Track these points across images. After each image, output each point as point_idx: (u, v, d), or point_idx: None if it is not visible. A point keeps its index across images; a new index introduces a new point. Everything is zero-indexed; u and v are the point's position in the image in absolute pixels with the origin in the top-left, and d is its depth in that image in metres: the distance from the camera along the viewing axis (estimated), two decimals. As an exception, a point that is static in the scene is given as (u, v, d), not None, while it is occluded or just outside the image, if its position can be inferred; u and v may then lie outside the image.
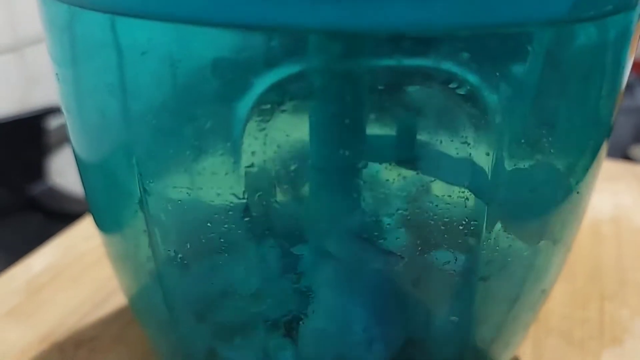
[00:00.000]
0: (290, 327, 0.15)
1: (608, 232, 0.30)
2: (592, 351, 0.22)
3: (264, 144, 0.12)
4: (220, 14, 0.11)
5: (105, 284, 0.25)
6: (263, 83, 0.12)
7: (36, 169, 0.43)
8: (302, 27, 0.11)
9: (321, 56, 0.11)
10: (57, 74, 0.15)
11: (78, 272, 0.26)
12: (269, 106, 0.12)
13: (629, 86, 0.63)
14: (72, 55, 0.14)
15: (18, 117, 0.41)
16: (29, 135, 0.43)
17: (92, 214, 0.18)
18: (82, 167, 0.16)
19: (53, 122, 0.45)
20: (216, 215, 0.14)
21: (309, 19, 0.11)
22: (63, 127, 0.47)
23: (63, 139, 0.46)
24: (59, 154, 0.45)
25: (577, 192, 0.15)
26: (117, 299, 0.24)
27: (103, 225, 0.17)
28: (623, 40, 0.14)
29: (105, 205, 0.16)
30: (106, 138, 0.15)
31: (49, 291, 0.25)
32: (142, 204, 0.14)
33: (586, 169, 0.15)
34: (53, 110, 0.44)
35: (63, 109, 0.16)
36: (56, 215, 0.41)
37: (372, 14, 0.10)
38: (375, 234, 0.14)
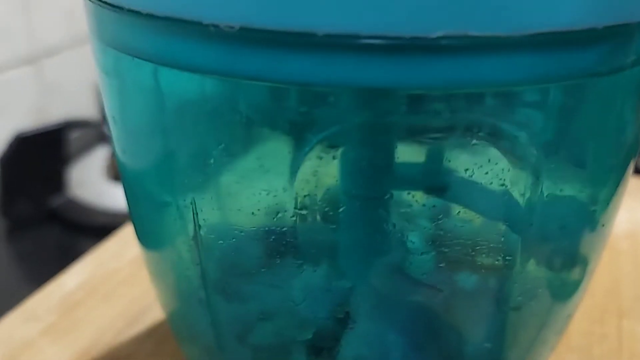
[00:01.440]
0: (329, 353, 0.16)
1: (624, 247, 0.31)
2: (612, 368, 0.23)
3: (315, 186, 0.13)
4: (273, 73, 0.12)
5: (138, 301, 0.26)
6: (313, 136, 0.13)
7: (56, 181, 0.44)
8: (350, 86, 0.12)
9: (371, 111, 0.12)
10: (110, 116, 0.16)
11: (111, 289, 0.27)
12: (319, 153, 0.13)
13: None
14: (120, 97, 0.15)
15: (38, 130, 0.42)
16: (48, 147, 0.44)
17: (140, 241, 0.18)
18: (132, 202, 0.17)
19: (73, 134, 0.46)
20: (265, 248, 0.15)
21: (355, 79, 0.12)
22: (82, 138, 0.48)
23: (82, 150, 0.47)
24: (78, 165, 0.46)
25: (602, 225, 0.16)
26: (150, 315, 0.25)
27: (152, 254, 0.18)
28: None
29: (158, 241, 0.17)
30: (157, 177, 0.16)
31: (83, 309, 0.26)
32: (196, 239, 0.15)
33: (611, 202, 0.16)
34: (73, 122, 0.45)
35: (117, 149, 0.17)
36: (76, 227, 0.42)
37: (415, 76, 0.11)
38: (412, 265, 0.15)
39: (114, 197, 0.42)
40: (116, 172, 0.44)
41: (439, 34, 0.11)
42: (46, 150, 0.43)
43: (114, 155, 0.44)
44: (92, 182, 0.44)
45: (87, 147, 0.48)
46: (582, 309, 0.26)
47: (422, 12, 0.11)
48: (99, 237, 0.38)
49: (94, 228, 0.40)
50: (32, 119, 0.50)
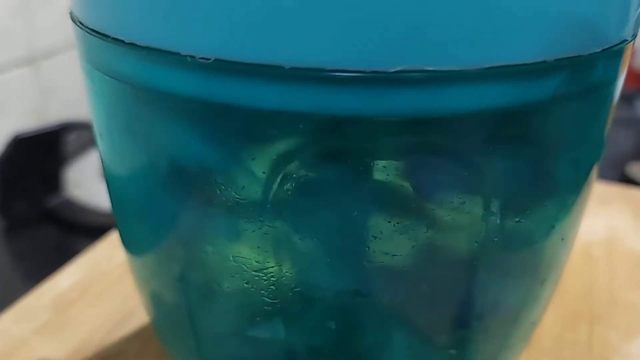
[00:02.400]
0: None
1: (600, 254, 0.32)
2: (581, 372, 0.24)
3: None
4: (245, 100, 0.13)
5: (128, 301, 0.27)
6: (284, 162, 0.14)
7: (53, 181, 0.45)
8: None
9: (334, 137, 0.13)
10: (97, 131, 0.17)
11: (102, 289, 0.28)
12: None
13: (629, 98, 0.65)
14: (105, 115, 0.16)
15: (36, 131, 0.43)
16: (46, 148, 0.45)
17: (123, 245, 0.19)
18: (117, 210, 0.18)
19: (70, 135, 0.47)
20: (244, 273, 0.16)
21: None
22: (80, 139, 0.49)
23: (80, 151, 0.48)
24: (76, 166, 0.47)
25: (562, 239, 0.17)
26: (139, 316, 0.26)
27: (135, 259, 0.19)
28: (606, 104, 0.16)
29: (140, 247, 0.18)
30: (138, 189, 0.17)
31: (76, 308, 0.27)
32: (177, 248, 0.16)
33: (569, 217, 0.17)
34: (70, 124, 0.46)
35: (103, 161, 0.18)
36: (73, 227, 0.43)
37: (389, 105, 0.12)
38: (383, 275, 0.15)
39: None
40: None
41: (398, 68, 0.12)
42: (44, 151, 0.44)
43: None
44: (88, 183, 0.45)
45: (84, 148, 0.49)
46: (555, 313, 0.27)
47: (382, 49, 0.12)
48: (95, 237, 0.39)
49: (90, 228, 0.41)
50: (30, 120, 0.51)
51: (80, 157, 0.48)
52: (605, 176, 0.42)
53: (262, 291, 0.16)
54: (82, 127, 0.48)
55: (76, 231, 0.42)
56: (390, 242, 0.15)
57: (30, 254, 0.41)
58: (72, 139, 0.47)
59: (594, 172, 0.17)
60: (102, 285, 0.28)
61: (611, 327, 0.27)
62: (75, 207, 0.43)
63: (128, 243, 0.19)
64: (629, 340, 0.26)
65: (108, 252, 0.31)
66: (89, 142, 0.49)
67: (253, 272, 0.16)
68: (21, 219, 0.43)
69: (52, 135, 0.44)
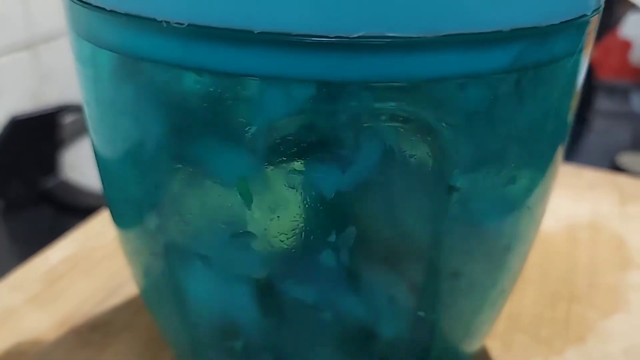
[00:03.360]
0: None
1: (584, 237, 0.32)
2: (557, 349, 0.25)
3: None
4: (217, 64, 0.14)
5: (117, 275, 0.28)
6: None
7: (50, 163, 0.45)
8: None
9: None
10: (84, 101, 0.18)
11: (92, 264, 0.29)
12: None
13: (624, 91, 0.65)
14: (93, 85, 0.17)
15: (33, 114, 0.44)
16: (43, 130, 0.45)
17: (114, 222, 0.20)
18: (106, 183, 0.19)
19: (67, 118, 0.48)
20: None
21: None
22: (77, 122, 0.50)
23: (76, 134, 0.49)
24: (72, 148, 0.47)
25: (528, 208, 0.18)
26: (128, 289, 0.27)
27: (125, 234, 0.20)
28: (569, 77, 0.17)
29: (129, 223, 0.19)
30: (126, 160, 0.17)
31: (66, 281, 0.28)
32: (162, 219, 0.17)
33: (537, 186, 0.18)
34: (67, 107, 0.47)
35: (91, 132, 0.18)
36: (68, 208, 0.43)
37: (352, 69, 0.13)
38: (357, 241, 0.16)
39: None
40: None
41: (360, 34, 0.13)
42: (40, 134, 0.45)
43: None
44: (84, 165, 0.46)
45: (80, 131, 0.50)
46: (535, 293, 0.28)
47: (345, 15, 0.13)
48: (90, 218, 0.40)
49: (85, 209, 0.42)
50: (28, 103, 0.52)
51: (76, 140, 0.49)
52: (596, 165, 0.42)
53: (241, 259, 0.17)
54: (79, 110, 0.49)
55: (71, 212, 0.43)
56: (360, 198, 0.16)
57: (26, 234, 0.42)
58: (68, 121, 0.48)
59: (560, 149, 0.18)
60: (92, 260, 0.29)
61: (590, 306, 0.27)
62: (71, 189, 0.44)
63: (117, 216, 0.20)
64: (605, 320, 0.27)
65: (98, 229, 0.32)
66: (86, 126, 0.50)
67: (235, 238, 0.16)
68: (17, 200, 0.44)
69: (49, 118, 0.45)
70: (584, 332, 0.26)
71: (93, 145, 0.19)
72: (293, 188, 0.15)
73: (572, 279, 0.29)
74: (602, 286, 0.29)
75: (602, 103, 0.61)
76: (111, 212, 0.20)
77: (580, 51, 0.16)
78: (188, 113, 0.15)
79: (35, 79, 0.52)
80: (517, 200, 0.17)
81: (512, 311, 0.27)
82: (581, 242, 0.32)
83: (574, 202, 0.35)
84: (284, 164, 0.15)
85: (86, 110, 0.18)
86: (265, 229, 0.16)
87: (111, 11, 0.15)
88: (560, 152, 0.18)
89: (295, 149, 0.15)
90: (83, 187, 0.44)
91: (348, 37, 0.13)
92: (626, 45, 0.68)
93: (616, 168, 0.44)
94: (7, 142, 0.43)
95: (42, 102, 0.52)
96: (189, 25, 0.13)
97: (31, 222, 0.43)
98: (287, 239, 0.16)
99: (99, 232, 0.32)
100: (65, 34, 0.53)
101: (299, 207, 0.16)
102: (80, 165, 0.46)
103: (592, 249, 0.31)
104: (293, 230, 0.16)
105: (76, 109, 0.48)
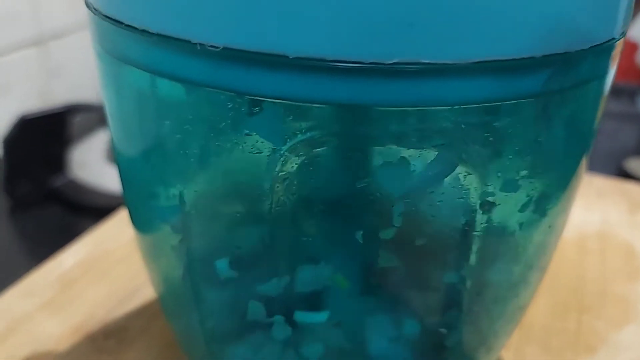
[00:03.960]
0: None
1: (593, 247, 0.33)
2: (567, 359, 0.25)
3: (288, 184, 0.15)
4: (250, 87, 0.14)
5: (132, 280, 0.28)
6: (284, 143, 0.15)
7: (58, 162, 0.45)
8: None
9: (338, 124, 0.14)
10: (108, 112, 0.18)
11: (106, 268, 0.29)
12: (293, 158, 0.15)
13: (631, 94, 0.65)
14: (116, 97, 0.17)
15: (42, 112, 0.44)
16: (51, 129, 0.45)
17: (133, 225, 0.20)
18: (126, 187, 0.19)
19: (76, 117, 0.48)
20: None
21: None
22: (85, 121, 0.50)
23: (85, 132, 0.49)
24: (80, 147, 0.47)
25: (550, 227, 0.18)
26: (142, 294, 0.27)
27: (144, 237, 0.20)
28: (595, 98, 0.17)
29: (149, 226, 0.19)
30: (147, 168, 0.18)
31: (80, 286, 0.28)
32: (183, 224, 0.17)
33: (558, 205, 0.18)
34: (76, 106, 0.47)
35: (113, 140, 0.19)
36: (77, 207, 0.43)
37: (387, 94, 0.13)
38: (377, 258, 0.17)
39: (113, 179, 0.44)
40: (116, 155, 0.46)
41: (395, 60, 0.13)
42: (49, 132, 0.45)
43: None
44: (92, 164, 0.46)
45: (89, 130, 0.49)
46: (545, 303, 0.28)
47: (379, 42, 0.13)
48: (98, 218, 0.40)
49: (93, 209, 0.42)
50: (36, 100, 0.51)
51: (85, 138, 0.49)
52: (603, 171, 0.42)
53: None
54: (88, 109, 0.49)
55: (80, 212, 0.43)
56: (381, 219, 0.16)
57: (34, 233, 0.42)
58: (77, 120, 0.48)
59: (584, 163, 0.18)
60: (106, 264, 0.29)
61: (600, 317, 0.28)
62: (79, 188, 0.44)
63: (135, 220, 0.20)
64: (616, 330, 0.27)
65: (112, 232, 0.32)
66: (94, 124, 0.50)
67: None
68: (25, 198, 0.44)
69: (57, 117, 0.45)
70: (595, 343, 0.26)
71: (115, 151, 0.19)
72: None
73: (582, 288, 0.29)
74: (611, 296, 0.29)
75: (609, 105, 0.61)
76: (130, 214, 0.21)
77: (606, 73, 0.16)
78: (218, 130, 0.15)
79: (44, 76, 0.52)
80: (541, 216, 0.17)
81: (524, 321, 0.27)
82: (591, 251, 0.32)
83: (584, 210, 0.35)
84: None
85: (110, 122, 0.19)
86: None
87: (142, 31, 0.15)
88: (584, 164, 0.18)
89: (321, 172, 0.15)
90: (91, 186, 0.44)
91: (383, 64, 0.13)
92: (633, 48, 0.68)
93: (624, 174, 0.44)
94: (15, 141, 0.43)
95: (50, 99, 0.52)
96: (224, 48, 0.14)
97: (39, 220, 0.43)
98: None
99: (113, 234, 0.32)
100: (74, 30, 0.53)
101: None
102: (88, 165, 0.46)
103: (601, 259, 0.32)
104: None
105: (85, 107, 0.48)
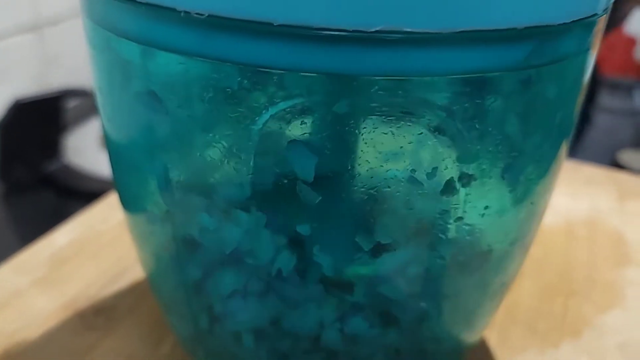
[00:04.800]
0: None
1: (582, 233, 0.33)
2: (552, 341, 0.26)
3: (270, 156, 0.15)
4: (236, 55, 0.14)
5: (121, 260, 0.29)
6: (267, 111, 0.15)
7: (52, 147, 0.46)
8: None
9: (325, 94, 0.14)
10: (97, 87, 0.18)
11: (97, 248, 0.29)
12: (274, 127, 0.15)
13: (628, 88, 0.65)
14: (106, 71, 0.17)
15: (37, 97, 0.44)
16: (46, 114, 0.46)
17: (122, 205, 0.21)
18: (115, 167, 0.19)
19: (71, 102, 0.48)
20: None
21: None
22: (80, 107, 0.50)
23: (80, 118, 0.49)
24: (75, 132, 0.48)
25: (532, 202, 0.18)
26: (131, 274, 0.28)
27: (132, 217, 0.20)
28: (577, 76, 0.17)
29: (137, 205, 0.19)
30: (136, 144, 0.18)
31: (71, 265, 0.28)
32: (168, 201, 0.17)
33: (540, 182, 0.18)
34: (71, 91, 0.47)
35: (102, 117, 0.19)
36: (71, 192, 0.44)
37: (368, 63, 0.14)
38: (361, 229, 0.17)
39: (107, 165, 0.44)
40: (111, 141, 0.46)
41: (377, 28, 0.13)
42: (44, 117, 0.45)
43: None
44: (87, 150, 0.47)
45: (84, 116, 0.50)
46: (532, 288, 0.28)
47: (363, 9, 0.13)
48: (91, 202, 0.41)
49: (87, 193, 0.42)
50: (32, 86, 0.52)
51: (80, 124, 0.49)
52: (596, 161, 0.43)
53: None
54: (83, 95, 0.49)
55: (73, 196, 0.43)
56: (359, 191, 0.16)
57: (28, 218, 0.42)
58: (72, 106, 0.49)
59: (564, 145, 0.18)
60: (97, 244, 0.30)
61: (586, 301, 0.28)
62: (74, 173, 0.45)
63: (124, 199, 0.20)
64: (602, 315, 0.27)
65: (103, 214, 0.32)
66: (90, 110, 0.50)
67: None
68: (20, 183, 0.44)
69: (52, 102, 0.45)
70: (580, 326, 0.26)
71: (104, 128, 0.19)
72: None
73: (569, 273, 0.30)
74: (599, 281, 0.29)
75: (605, 99, 0.62)
76: (120, 195, 0.21)
77: (588, 49, 0.16)
78: (201, 101, 0.15)
79: (40, 62, 0.52)
80: (521, 194, 0.18)
81: (509, 304, 0.27)
82: (579, 237, 0.32)
83: (573, 197, 0.35)
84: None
85: (98, 97, 0.19)
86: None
87: (130, 0, 0.15)
88: (564, 148, 0.18)
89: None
90: (85, 171, 0.45)
91: (365, 32, 0.13)
92: (631, 42, 0.69)
93: (616, 165, 0.45)
94: (10, 125, 0.43)
95: (46, 85, 0.52)
96: (209, 15, 0.14)
97: (33, 205, 0.43)
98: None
99: (104, 216, 0.32)
100: (71, 17, 0.53)
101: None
102: (83, 150, 0.46)
103: (590, 245, 0.32)
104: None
105: (80, 93, 0.48)
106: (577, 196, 0.36)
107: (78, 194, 0.44)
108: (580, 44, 0.16)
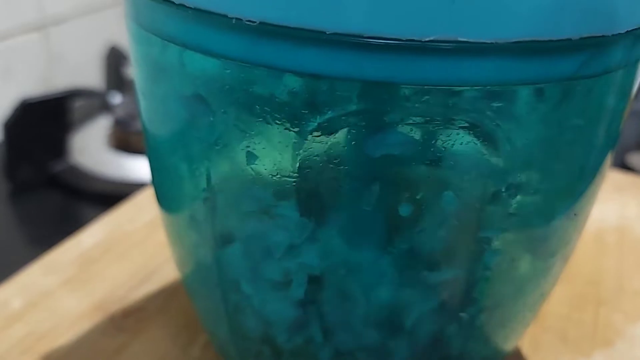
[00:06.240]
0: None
1: (611, 241, 0.33)
2: (584, 350, 0.26)
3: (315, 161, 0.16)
4: (286, 63, 0.15)
5: (150, 261, 0.29)
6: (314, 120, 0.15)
7: (59, 147, 0.46)
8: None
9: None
10: (139, 90, 0.19)
11: (125, 249, 0.30)
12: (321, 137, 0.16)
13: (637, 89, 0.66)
14: (148, 74, 0.18)
15: (43, 97, 0.45)
16: (53, 114, 0.46)
17: (159, 205, 0.21)
18: (154, 167, 0.20)
19: (77, 103, 0.48)
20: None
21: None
22: (87, 107, 0.51)
23: (86, 119, 0.50)
24: (81, 133, 0.48)
25: (575, 214, 0.19)
26: (160, 275, 0.28)
27: (170, 217, 0.21)
28: (627, 86, 0.17)
29: (176, 205, 0.20)
30: (176, 145, 0.18)
31: (100, 265, 0.29)
32: (209, 202, 0.18)
33: (584, 194, 0.19)
34: (78, 91, 0.47)
35: (143, 118, 0.19)
36: (77, 193, 0.44)
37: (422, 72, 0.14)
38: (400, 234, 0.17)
39: (114, 165, 0.45)
40: (117, 141, 0.47)
41: (431, 37, 0.14)
42: (50, 117, 0.46)
43: (117, 125, 0.46)
44: (93, 150, 0.47)
45: (90, 115, 0.50)
46: (563, 295, 0.29)
47: (418, 18, 0.14)
48: (98, 203, 0.41)
49: (93, 194, 0.43)
50: (38, 86, 0.52)
51: (86, 124, 0.49)
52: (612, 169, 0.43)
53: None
54: (89, 95, 0.49)
55: (80, 197, 0.44)
56: (405, 201, 0.16)
57: (34, 218, 0.43)
58: (78, 105, 0.49)
59: (609, 156, 0.19)
60: (125, 245, 0.30)
61: (617, 310, 0.28)
62: (80, 174, 0.45)
63: (162, 199, 0.21)
64: (633, 324, 0.28)
65: (130, 215, 0.33)
66: (96, 110, 0.51)
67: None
68: (26, 183, 0.44)
69: (59, 102, 0.45)
70: (612, 336, 0.27)
71: (143, 125, 0.20)
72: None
73: (599, 282, 0.30)
74: (629, 290, 0.30)
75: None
76: (157, 194, 0.21)
77: (638, 60, 0.17)
78: (250, 105, 0.16)
79: (46, 61, 0.52)
80: (565, 206, 0.18)
81: (541, 311, 0.28)
82: (609, 245, 0.33)
83: (602, 204, 0.36)
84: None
85: (140, 98, 0.19)
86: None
87: (180, 5, 0.15)
88: (609, 159, 0.19)
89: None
90: (92, 172, 0.45)
91: (419, 41, 0.14)
92: None
93: (625, 167, 0.45)
94: (16, 126, 0.44)
95: (51, 84, 0.53)
96: (260, 23, 0.14)
97: (39, 205, 0.44)
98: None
99: (130, 217, 0.32)
100: (76, 16, 0.54)
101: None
102: (89, 150, 0.47)
103: (619, 252, 0.33)
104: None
105: (87, 93, 0.49)
106: (607, 203, 0.36)
107: (84, 194, 0.44)
108: (630, 54, 0.16)
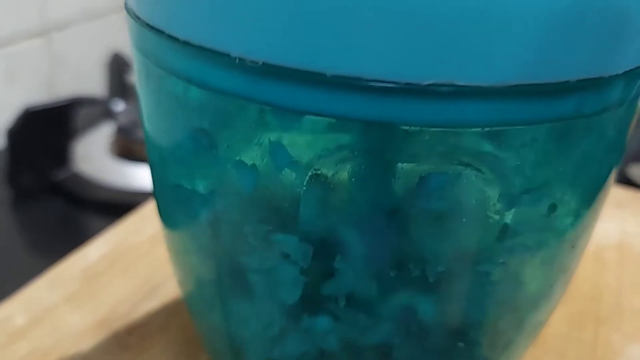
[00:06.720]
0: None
1: (611, 258, 0.34)
2: (584, 371, 0.27)
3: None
4: (287, 102, 0.15)
5: (154, 276, 0.30)
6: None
7: (61, 155, 0.47)
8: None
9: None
10: (144, 115, 0.19)
11: (130, 262, 0.30)
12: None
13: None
14: (151, 101, 0.19)
15: (46, 105, 0.45)
16: (56, 122, 0.47)
17: (162, 222, 0.22)
18: (156, 185, 0.21)
19: (80, 110, 0.49)
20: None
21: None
22: (89, 115, 0.51)
23: (89, 126, 0.50)
24: (84, 141, 0.49)
25: (572, 247, 0.19)
26: (163, 291, 0.29)
27: (172, 235, 0.21)
28: (626, 119, 0.18)
29: (177, 224, 0.20)
30: (178, 166, 0.19)
31: (104, 279, 0.29)
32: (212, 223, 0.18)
33: (581, 226, 0.19)
34: (81, 99, 0.48)
35: (147, 141, 0.20)
36: (79, 201, 0.45)
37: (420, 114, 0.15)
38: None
39: (116, 173, 0.45)
40: (120, 148, 0.47)
41: (430, 81, 0.14)
42: (53, 125, 0.46)
43: (120, 133, 0.47)
44: (96, 158, 0.48)
45: (93, 123, 0.51)
46: (562, 313, 0.29)
47: (416, 63, 0.14)
48: (101, 211, 0.42)
49: (96, 202, 0.44)
50: (40, 92, 0.53)
51: (89, 132, 0.50)
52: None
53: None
54: (92, 103, 0.50)
55: (82, 205, 0.44)
56: (405, 236, 0.17)
57: (36, 225, 0.44)
58: (81, 113, 0.50)
59: (611, 179, 0.19)
60: (130, 258, 0.31)
61: (616, 329, 0.29)
62: (82, 182, 0.46)
63: (164, 217, 0.21)
64: (632, 344, 0.28)
65: (135, 227, 0.33)
66: (99, 118, 0.51)
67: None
68: (28, 190, 0.45)
69: (62, 110, 0.46)
70: (611, 356, 0.27)
71: (146, 140, 0.20)
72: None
73: (599, 300, 0.31)
74: (628, 309, 0.30)
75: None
76: (160, 212, 0.22)
77: (638, 96, 0.17)
78: (248, 142, 0.16)
79: (48, 68, 0.53)
80: (566, 232, 0.19)
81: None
82: (608, 262, 0.33)
83: (602, 220, 0.36)
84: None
85: (145, 121, 0.20)
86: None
87: (184, 42, 0.16)
88: (612, 179, 0.19)
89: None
90: (95, 180, 0.46)
91: (418, 84, 0.14)
92: None
93: (626, 180, 0.46)
94: (19, 133, 0.44)
95: (54, 91, 0.53)
96: (263, 63, 0.15)
97: (42, 213, 0.44)
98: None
99: (136, 230, 0.33)
100: (79, 22, 0.54)
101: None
102: (92, 158, 0.47)
103: (619, 270, 0.33)
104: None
105: (89, 101, 0.49)
106: (606, 219, 0.37)
107: (87, 201, 0.45)
108: (629, 91, 0.17)
